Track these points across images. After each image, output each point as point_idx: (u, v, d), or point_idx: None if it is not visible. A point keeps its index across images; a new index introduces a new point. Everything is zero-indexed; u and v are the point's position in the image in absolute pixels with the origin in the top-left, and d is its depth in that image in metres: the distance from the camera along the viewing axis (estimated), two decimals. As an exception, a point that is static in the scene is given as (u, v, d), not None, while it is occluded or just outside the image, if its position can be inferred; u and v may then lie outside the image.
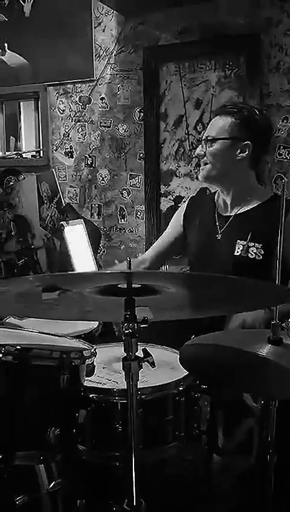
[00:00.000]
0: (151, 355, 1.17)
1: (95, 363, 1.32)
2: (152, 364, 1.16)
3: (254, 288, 1.16)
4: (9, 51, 3.30)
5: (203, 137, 1.89)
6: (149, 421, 1.31)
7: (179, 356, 1.34)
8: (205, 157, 1.86)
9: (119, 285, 1.13)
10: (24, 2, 3.21)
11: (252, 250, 1.79)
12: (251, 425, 1.52)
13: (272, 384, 1.22)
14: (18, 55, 3.28)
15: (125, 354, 1.14)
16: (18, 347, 1.20)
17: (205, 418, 1.41)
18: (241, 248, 1.80)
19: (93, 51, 3.04)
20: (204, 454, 1.50)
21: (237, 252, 1.80)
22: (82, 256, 2.44)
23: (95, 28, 3.03)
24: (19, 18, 3.23)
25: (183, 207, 2.07)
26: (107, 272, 1.43)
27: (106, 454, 1.33)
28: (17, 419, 1.22)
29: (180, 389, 1.37)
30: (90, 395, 1.31)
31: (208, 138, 1.85)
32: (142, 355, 1.16)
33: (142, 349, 1.18)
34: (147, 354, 1.17)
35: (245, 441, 1.55)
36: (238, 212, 1.87)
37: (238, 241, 1.81)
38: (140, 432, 1.17)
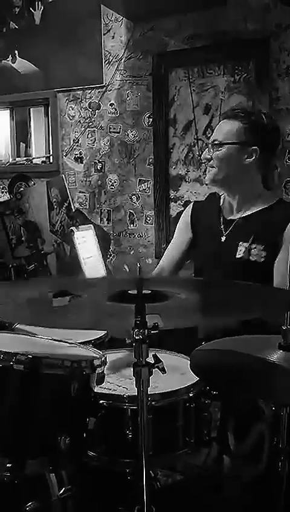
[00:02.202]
0: (161, 361, 1.17)
1: (105, 372, 1.32)
2: (162, 370, 1.16)
3: (264, 293, 1.15)
4: (19, 58, 3.33)
5: (210, 141, 1.88)
6: (159, 427, 1.30)
7: (189, 362, 1.34)
8: (212, 161, 1.86)
9: (129, 291, 1.13)
10: (34, 9, 3.24)
11: (254, 253, 1.78)
12: (262, 431, 1.51)
13: (283, 390, 1.21)
14: (28, 62, 3.31)
15: (136, 360, 1.13)
16: (29, 356, 1.20)
17: (215, 425, 1.40)
18: (243, 250, 1.79)
19: (103, 57, 3.06)
20: (214, 461, 1.49)
21: (239, 254, 1.80)
22: (92, 262, 2.44)
23: (104, 34, 3.05)
24: (30, 25, 3.26)
25: (188, 212, 2.06)
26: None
27: (116, 460, 1.32)
28: (27, 427, 1.21)
29: (191, 395, 1.36)
30: (100, 401, 1.31)
31: (215, 142, 1.85)
32: (152, 361, 1.16)
33: (153, 355, 1.18)
34: (157, 360, 1.16)
35: (256, 447, 1.54)
36: (243, 215, 1.87)
37: (240, 243, 1.80)
38: (150, 438, 1.17)
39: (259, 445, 1.52)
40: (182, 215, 2.10)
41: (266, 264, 1.76)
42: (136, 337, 1.12)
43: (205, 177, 2.01)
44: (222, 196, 1.98)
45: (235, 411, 1.48)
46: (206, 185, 2.80)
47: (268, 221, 1.80)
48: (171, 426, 1.34)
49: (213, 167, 1.86)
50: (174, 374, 1.45)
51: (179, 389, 1.36)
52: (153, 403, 1.29)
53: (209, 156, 1.86)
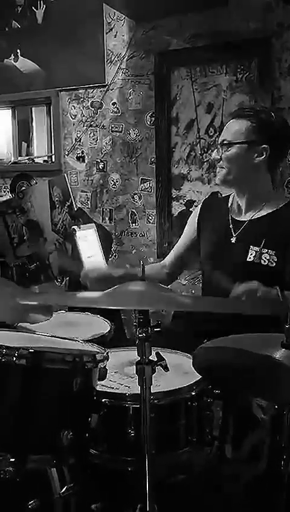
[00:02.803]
0: (164, 359, 1.16)
1: (107, 367, 1.32)
2: (165, 368, 1.16)
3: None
4: (22, 57, 3.33)
5: (219, 141, 1.86)
6: (161, 426, 1.30)
7: (191, 360, 1.33)
8: (221, 162, 1.84)
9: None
10: (36, 9, 3.24)
11: (265, 257, 1.76)
12: (262, 434, 1.51)
13: (286, 388, 1.21)
14: (30, 61, 3.31)
15: (139, 358, 1.13)
16: (31, 350, 1.20)
17: (218, 424, 1.39)
18: (254, 254, 1.77)
19: (105, 56, 3.06)
20: (216, 460, 1.49)
21: (250, 258, 1.78)
22: (93, 261, 2.44)
23: (106, 33, 3.05)
24: (32, 25, 3.27)
25: (196, 211, 2.06)
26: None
27: (119, 459, 1.32)
28: (30, 422, 1.21)
29: (193, 393, 1.36)
30: (103, 400, 1.31)
31: (224, 142, 1.82)
32: (155, 359, 1.16)
33: (156, 353, 1.18)
34: (160, 357, 1.16)
35: (257, 447, 1.53)
36: (253, 217, 1.85)
37: (251, 246, 1.79)
38: (152, 437, 1.17)
39: (260, 444, 1.52)
40: (191, 214, 2.09)
41: (276, 268, 1.75)
42: (139, 335, 1.12)
43: (210, 177, 2.00)
44: (230, 196, 1.97)
45: (237, 410, 1.48)
46: (209, 183, 2.82)
47: (279, 225, 1.79)
48: (174, 425, 1.34)
49: (223, 168, 1.84)
50: (177, 372, 1.45)
51: (181, 387, 1.35)
52: (155, 401, 1.29)
53: (218, 157, 1.84)
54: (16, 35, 3.33)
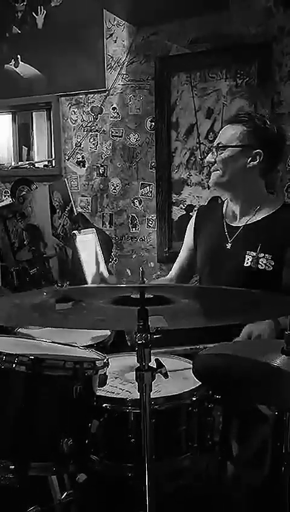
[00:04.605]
0: (164, 366, 1.16)
1: (107, 373, 1.32)
2: (165, 375, 1.16)
3: (266, 299, 1.15)
4: (22, 63, 3.34)
5: (214, 145, 1.89)
6: (162, 431, 1.30)
7: (192, 366, 1.33)
8: (216, 164, 1.86)
9: (132, 296, 1.13)
10: (37, 14, 3.25)
11: (262, 262, 1.77)
12: (265, 435, 1.51)
13: (286, 394, 1.21)
14: (31, 67, 3.32)
15: (138, 364, 1.13)
16: (31, 357, 1.20)
17: (218, 429, 1.39)
18: (250, 259, 1.78)
19: (105, 62, 3.07)
20: (217, 465, 1.48)
21: (247, 263, 1.79)
22: (94, 265, 2.44)
23: (106, 38, 3.06)
24: (32, 30, 3.27)
25: (192, 219, 2.07)
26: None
27: (119, 465, 1.32)
28: (30, 429, 1.21)
29: (194, 399, 1.36)
30: (103, 405, 1.31)
31: (219, 145, 1.85)
32: (155, 366, 1.16)
33: (155, 360, 1.18)
34: (160, 364, 1.16)
35: (259, 452, 1.53)
36: (248, 222, 1.86)
37: (247, 252, 1.79)
38: (153, 443, 1.16)
39: (262, 449, 1.52)
40: (189, 223, 2.10)
41: (274, 272, 1.75)
42: (139, 341, 1.12)
43: (208, 181, 2.01)
44: (225, 202, 1.98)
45: (238, 415, 1.48)
46: (209, 188, 2.83)
47: (274, 228, 1.80)
48: (174, 430, 1.34)
49: (217, 170, 1.86)
50: (177, 378, 1.45)
51: (181, 393, 1.35)
52: (156, 407, 1.29)
53: (213, 160, 1.86)
54: (17, 41, 3.34)
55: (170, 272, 2.13)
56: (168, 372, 1.17)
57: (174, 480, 1.43)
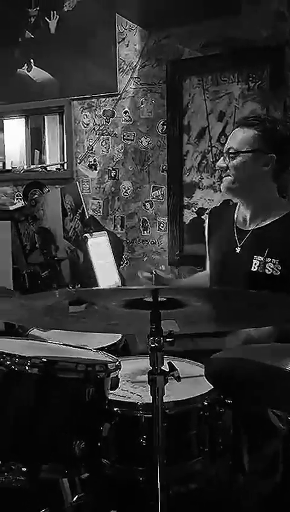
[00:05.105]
0: (177, 369, 1.16)
1: (119, 376, 1.32)
2: (177, 378, 1.16)
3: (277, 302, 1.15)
4: (35, 67, 3.37)
5: (225, 150, 1.87)
6: (173, 435, 1.29)
7: (203, 370, 1.33)
8: (228, 170, 1.84)
9: (144, 299, 1.13)
10: (50, 19, 3.28)
11: (269, 266, 1.75)
12: (277, 444, 1.49)
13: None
14: (44, 71, 3.35)
15: (151, 368, 1.13)
16: (44, 359, 1.20)
17: (230, 434, 1.38)
18: (257, 264, 1.77)
19: (117, 66, 3.08)
20: (228, 471, 1.47)
21: (254, 267, 1.77)
22: (105, 268, 2.45)
23: (119, 43, 3.07)
24: (45, 35, 3.30)
25: (206, 220, 2.07)
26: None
27: (130, 468, 1.32)
28: (42, 431, 1.22)
29: (205, 403, 1.35)
30: (115, 409, 1.31)
31: (231, 151, 1.83)
32: (167, 369, 1.15)
33: (168, 363, 1.18)
34: (172, 368, 1.16)
35: (270, 459, 1.52)
36: (257, 226, 1.85)
37: (255, 256, 1.78)
38: (164, 447, 1.16)
39: (274, 456, 1.50)
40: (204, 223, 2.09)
41: (282, 276, 1.74)
42: (152, 345, 1.11)
43: (220, 185, 2.00)
44: (237, 205, 1.97)
45: (250, 420, 1.47)
46: (220, 191, 2.81)
47: (282, 233, 1.78)
48: (186, 435, 1.33)
49: (229, 176, 1.84)
50: (189, 381, 1.44)
51: (193, 397, 1.35)
52: (167, 411, 1.28)
53: (224, 165, 1.84)
54: (29, 45, 3.37)
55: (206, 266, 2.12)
56: (180, 375, 1.17)
57: (185, 484, 1.42)
